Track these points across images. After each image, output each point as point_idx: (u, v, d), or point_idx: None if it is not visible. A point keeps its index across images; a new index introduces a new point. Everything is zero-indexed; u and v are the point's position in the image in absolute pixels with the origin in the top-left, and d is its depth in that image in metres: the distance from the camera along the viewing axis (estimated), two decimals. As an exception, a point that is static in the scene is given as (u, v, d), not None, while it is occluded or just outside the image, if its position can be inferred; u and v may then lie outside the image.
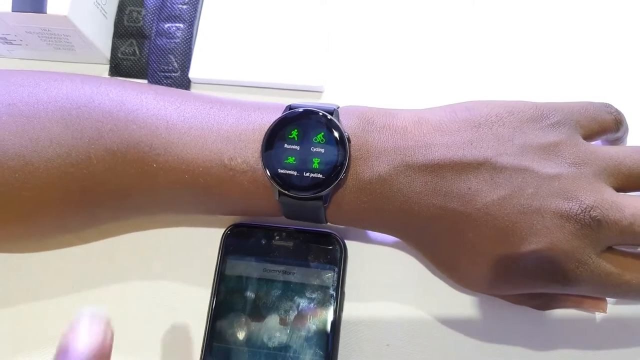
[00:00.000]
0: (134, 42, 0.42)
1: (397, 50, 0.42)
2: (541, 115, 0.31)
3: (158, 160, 0.30)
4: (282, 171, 0.30)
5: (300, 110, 0.31)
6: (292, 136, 0.30)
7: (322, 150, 0.30)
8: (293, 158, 0.30)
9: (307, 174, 0.30)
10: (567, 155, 0.30)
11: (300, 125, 0.30)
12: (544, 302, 0.33)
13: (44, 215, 0.32)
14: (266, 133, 0.30)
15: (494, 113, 0.31)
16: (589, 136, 0.31)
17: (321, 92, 0.41)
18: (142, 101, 0.32)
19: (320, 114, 0.30)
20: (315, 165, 0.30)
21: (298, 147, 0.30)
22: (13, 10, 0.36)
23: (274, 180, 0.30)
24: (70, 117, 0.30)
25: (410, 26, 0.42)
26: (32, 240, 0.37)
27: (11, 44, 0.40)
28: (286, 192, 0.30)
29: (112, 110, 0.31)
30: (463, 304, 0.36)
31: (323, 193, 0.30)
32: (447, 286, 0.36)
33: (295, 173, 0.30)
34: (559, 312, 0.35)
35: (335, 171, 0.29)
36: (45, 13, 0.36)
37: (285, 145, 0.30)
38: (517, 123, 0.30)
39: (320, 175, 0.30)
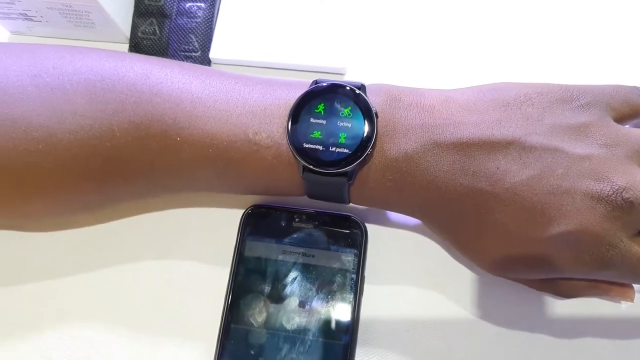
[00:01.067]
0: (155, 21, 0.41)
1: (419, 32, 0.41)
2: (571, 97, 0.30)
3: (182, 134, 0.30)
4: (307, 145, 0.29)
5: (327, 84, 0.30)
6: (318, 110, 0.30)
7: (349, 125, 0.29)
8: (319, 132, 0.29)
9: (333, 149, 0.29)
10: (598, 136, 0.29)
11: (327, 99, 0.30)
12: (569, 289, 0.32)
13: (67, 189, 0.31)
14: (292, 107, 0.30)
15: (522, 93, 0.30)
16: (620, 119, 0.31)
17: (343, 74, 0.40)
18: (167, 74, 0.31)
19: (348, 88, 0.30)
20: (342, 140, 0.29)
21: (324, 122, 0.29)
22: (36, -15, 0.36)
23: (299, 154, 0.29)
24: (94, 89, 0.30)
25: (431, 8, 0.42)
26: (53, 217, 0.37)
27: (31, 20, 0.40)
28: (311, 166, 0.29)
29: (136, 82, 0.30)
30: (484, 290, 0.35)
31: (349, 168, 0.29)
32: (468, 271, 0.36)
33: (320, 147, 0.29)
34: (583, 301, 0.35)
35: (362, 146, 0.29)
36: (68, -12, 0.36)
37: (312, 120, 0.29)
38: (547, 103, 0.30)
39: (346, 150, 0.29)
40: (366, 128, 0.29)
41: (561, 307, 0.34)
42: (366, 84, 0.32)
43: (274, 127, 0.30)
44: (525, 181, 0.28)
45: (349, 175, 0.29)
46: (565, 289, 0.32)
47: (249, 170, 0.30)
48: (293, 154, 0.29)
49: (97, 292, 0.37)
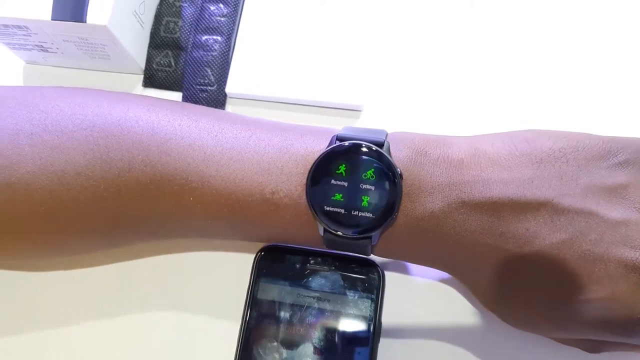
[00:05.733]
0: (170, 53, 0.41)
1: (439, 67, 0.40)
2: (608, 153, 0.28)
3: (195, 194, 0.29)
4: (328, 208, 0.28)
5: (348, 144, 0.29)
6: (339, 171, 0.28)
7: (372, 188, 0.28)
8: (340, 195, 0.28)
9: (356, 212, 0.28)
10: (636, 199, 0.27)
11: (349, 160, 0.29)
12: (597, 345, 0.31)
13: (72, 242, 0.31)
14: (311, 168, 0.29)
15: (557, 147, 0.28)
16: None
17: (360, 110, 0.39)
18: (175, 129, 0.30)
19: (370, 148, 0.29)
20: (365, 204, 0.28)
21: (346, 184, 0.28)
22: (52, 19, 0.35)
23: (320, 218, 0.28)
24: (97, 147, 0.29)
25: (453, 45, 0.41)
26: (60, 257, 0.36)
27: (47, 51, 0.39)
28: (333, 231, 0.28)
29: (143, 139, 0.29)
30: (507, 340, 0.34)
31: (372, 234, 0.28)
32: (490, 319, 0.35)
33: (342, 211, 0.28)
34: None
35: (386, 211, 0.28)
36: (85, 22, 0.35)
37: (332, 181, 0.28)
38: (582, 160, 0.28)
39: (370, 215, 0.28)
40: (390, 191, 0.28)
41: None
42: (389, 131, 0.31)
43: (292, 186, 0.29)
44: (555, 245, 0.27)
45: (372, 238, 0.29)
46: (593, 346, 0.32)
47: (267, 227, 0.30)
48: (313, 216, 0.29)
49: (108, 336, 0.36)
